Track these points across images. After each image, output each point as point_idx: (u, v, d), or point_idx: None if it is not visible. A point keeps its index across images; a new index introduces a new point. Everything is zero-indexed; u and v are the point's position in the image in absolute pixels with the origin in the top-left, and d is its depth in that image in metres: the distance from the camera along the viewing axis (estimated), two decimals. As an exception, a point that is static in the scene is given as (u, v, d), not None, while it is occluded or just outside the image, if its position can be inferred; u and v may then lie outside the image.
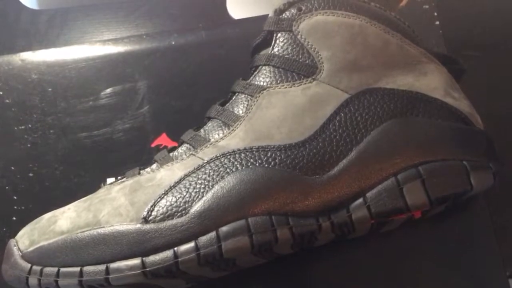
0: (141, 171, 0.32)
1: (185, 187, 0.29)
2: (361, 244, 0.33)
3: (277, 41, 0.32)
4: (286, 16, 0.32)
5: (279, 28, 0.32)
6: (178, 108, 0.40)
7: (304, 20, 0.32)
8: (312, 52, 0.31)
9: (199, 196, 0.29)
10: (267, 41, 0.33)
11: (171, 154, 0.32)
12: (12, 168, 0.39)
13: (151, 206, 0.29)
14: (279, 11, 0.33)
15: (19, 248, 0.30)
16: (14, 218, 0.37)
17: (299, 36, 0.32)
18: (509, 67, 0.40)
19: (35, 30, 0.46)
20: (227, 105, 0.32)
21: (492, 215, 0.34)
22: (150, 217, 0.28)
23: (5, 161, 0.39)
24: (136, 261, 0.27)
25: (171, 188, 0.29)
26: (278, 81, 0.31)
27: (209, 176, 0.29)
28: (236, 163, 0.29)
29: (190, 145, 0.31)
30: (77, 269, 0.28)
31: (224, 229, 0.28)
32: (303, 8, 0.32)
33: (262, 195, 0.28)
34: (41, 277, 0.28)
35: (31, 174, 0.38)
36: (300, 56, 0.31)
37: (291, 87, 0.31)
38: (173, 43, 0.42)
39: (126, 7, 0.47)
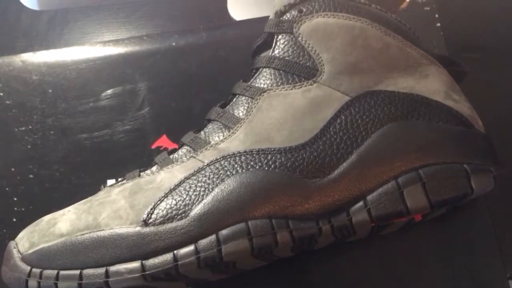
0: (141, 173, 0.31)
1: (185, 189, 0.29)
2: (361, 246, 0.33)
3: (278, 43, 0.32)
4: (286, 18, 0.32)
5: (280, 30, 0.32)
6: (179, 110, 0.40)
7: (304, 22, 0.32)
8: (313, 55, 0.31)
9: (199, 199, 0.28)
10: (267, 43, 0.33)
11: (171, 156, 0.32)
12: (12, 169, 0.39)
13: (151, 209, 0.29)
14: (279, 13, 0.32)
15: (18, 250, 0.30)
16: (14, 220, 0.37)
17: (299, 38, 0.31)
18: (510, 69, 0.40)
19: (36, 31, 0.46)
20: (227, 107, 0.32)
21: (492, 218, 0.34)
22: (150, 220, 0.28)
23: (5, 162, 0.39)
24: (135, 264, 0.27)
25: (171, 190, 0.29)
26: (279, 84, 0.31)
27: (209, 179, 0.29)
28: (236, 165, 0.29)
29: (190, 147, 0.31)
30: (77, 272, 0.28)
31: (224, 232, 0.28)
32: (304, 10, 0.32)
33: (262, 198, 0.28)
34: (41, 279, 0.28)
35: (31, 176, 0.38)
36: (301, 58, 0.31)
37: (291, 89, 0.31)
38: (173, 44, 0.42)
39: (126, 8, 0.47)
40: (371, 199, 0.29)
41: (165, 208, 0.29)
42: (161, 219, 0.28)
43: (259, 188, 0.28)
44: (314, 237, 0.29)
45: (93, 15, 0.47)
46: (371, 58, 0.31)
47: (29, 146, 0.39)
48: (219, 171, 0.29)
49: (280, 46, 0.32)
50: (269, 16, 0.34)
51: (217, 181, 0.29)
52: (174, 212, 0.28)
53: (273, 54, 0.32)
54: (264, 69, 0.32)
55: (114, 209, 0.29)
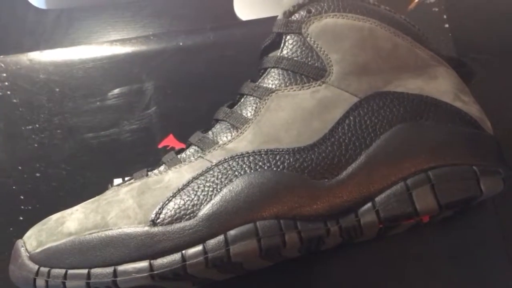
0: (148, 173, 0.31)
1: (193, 189, 0.29)
2: (368, 247, 0.33)
3: (286, 43, 0.32)
4: (295, 18, 0.32)
5: (288, 30, 0.32)
6: (185, 109, 0.40)
7: (313, 23, 0.31)
8: (322, 55, 0.31)
9: (208, 199, 0.28)
10: (276, 43, 0.33)
11: (179, 156, 0.32)
12: (19, 168, 0.39)
13: (159, 209, 0.29)
14: (288, 13, 0.32)
15: (26, 249, 0.30)
16: (21, 218, 0.37)
17: (308, 39, 0.31)
18: (519, 70, 0.40)
19: (43, 30, 0.46)
20: (235, 107, 0.32)
21: (501, 220, 0.34)
22: (158, 220, 0.28)
23: (12, 160, 0.39)
24: (144, 263, 0.27)
25: (179, 190, 0.29)
26: (287, 84, 0.31)
27: (217, 179, 0.29)
28: (244, 166, 0.29)
29: (198, 147, 0.31)
30: (85, 271, 0.28)
31: (232, 232, 0.27)
32: (313, 11, 0.32)
33: (270, 199, 0.28)
34: (49, 278, 0.28)
35: (38, 174, 0.38)
36: (309, 59, 0.31)
37: (300, 90, 0.31)
38: (180, 44, 0.42)
39: (133, 7, 0.47)
40: (380, 200, 0.28)
41: (173, 208, 0.29)
42: (170, 219, 0.28)
43: (268, 189, 0.28)
44: (322, 238, 0.29)
45: (99, 14, 0.47)
46: (380, 59, 0.31)
47: (36, 145, 0.39)
48: (227, 171, 0.29)
49: (289, 47, 0.32)
50: (276, 16, 0.33)
51: (226, 181, 0.29)
52: (182, 212, 0.28)
53: (281, 54, 0.32)
54: (273, 70, 0.32)
55: (122, 209, 0.29)
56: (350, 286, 0.34)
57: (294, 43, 0.32)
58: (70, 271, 0.28)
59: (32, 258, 0.29)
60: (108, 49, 0.42)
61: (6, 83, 0.41)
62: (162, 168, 0.31)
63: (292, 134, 0.30)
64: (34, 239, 0.30)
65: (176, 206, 0.29)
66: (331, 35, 0.31)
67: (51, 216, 0.31)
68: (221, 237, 0.27)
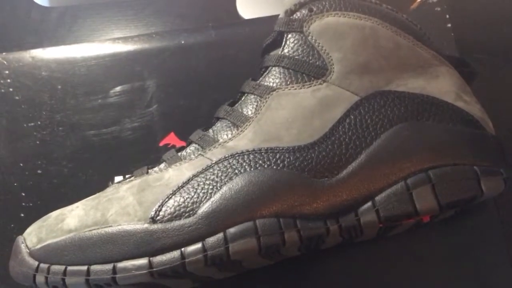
0: (149, 171, 0.31)
1: (193, 187, 0.29)
2: (368, 247, 0.33)
3: (288, 42, 0.32)
4: (297, 17, 0.32)
5: (290, 28, 0.32)
6: (187, 107, 0.40)
7: (315, 21, 0.31)
8: (323, 54, 0.31)
9: (207, 197, 0.28)
10: (277, 42, 0.33)
11: (179, 154, 0.32)
12: (21, 164, 0.39)
13: (159, 206, 0.29)
14: (290, 12, 0.32)
15: (26, 246, 0.30)
16: (22, 215, 0.37)
17: (309, 37, 0.31)
18: (521, 70, 0.40)
19: (45, 27, 0.46)
20: (236, 105, 0.32)
21: (503, 220, 0.34)
22: (158, 217, 0.28)
23: (14, 157, 0.39)
24: (143, 261, 0.27)
25: (179, 188, 0.29)
26: (288, 82, 0.31)
27: (217, 177, 0.29)
28: (244, 164, 0.29)
29: (198, 145, 0.31)
30: (84, 267, 0.28)
31: (231, 230, 0.27)
32: (314, 9, 0.32)
33: (270, 197, 0.28)
34: (48, 275, 0.28)
35: (39, 171, 0.39)
36: (311, 58, 0.31)
37: (300, 88, 0.31)
38: (182, 42, 0.42)
39: (135, 6, 0.47)
40: (380, 199, 0.28)
41: (173, 205, 0.29)
42: (169, 216, 0.28)
43: (267, 187, 0.28)
44: (321, 237, 0.29)
45: (103, 12, 0.47)
46: (382, 58, 0.31)
47: (37, 142, 0.39)
48: (227, 169, 0.29)
49: (290, 45, 0.32)
50: (278, 15, 0.33)
51: (225, 179, 0.29)
52: (182, 210, 0.28)
53: (282, 53, 0.32)
54: (274, 68, 0.32)
55: (122, 206, 0.29)
56: (351, 285, 0.34)
57: (295, 42, 0.32)
58: (69, 268, 0.28)
59: (32, 254, 0.29)
60: (110, 47, 0.42)
61: (9, 80, 0.41)
62: (162, 165, 0.31)
63: (293, 132, 0.30)
64: (34, 236, 0.30)
65: (176, 204, 0.29)
66: (332, 33, 0.31)
67: (51, 213, 0.31)
68: (220, 235, 0.27)
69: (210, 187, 0.29)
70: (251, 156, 0.29)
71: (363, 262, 0.34)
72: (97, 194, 0.32)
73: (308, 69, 0.31)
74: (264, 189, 0.28)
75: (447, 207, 0.28)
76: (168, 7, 0.47)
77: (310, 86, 0.31)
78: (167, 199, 0.29)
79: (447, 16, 0.39)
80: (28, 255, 0.29)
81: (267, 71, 0.32)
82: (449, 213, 0.32)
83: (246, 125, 0.31)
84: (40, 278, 0.29)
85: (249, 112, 0.31)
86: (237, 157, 0.30)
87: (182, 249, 0.27)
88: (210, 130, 0.32)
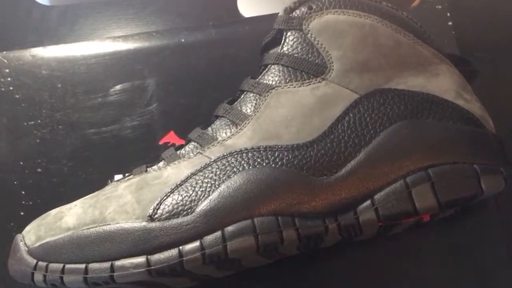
0: (148, 169, 0.31)
1: (191, 185, 0.29)
2: (368, 246, 0.33)
3: (287, 40, 0.32)
4: (296, 15, 0.32)
5: (289, 26, 0.32)
6: (187, 106, 0.40)
7: (314, 19, 0.31)
8: (322, 52, 0.31)
9: (205, 195, 0.28)
10: (277, 40, 0.33)
11: (178, 152, 0.32)
12: (21, 163, 0.39)
13: (157, 204, 0.29)
14: (289, 10, 0.32)
15: (25, 244, 0.30)
16: (22, 213, 0.37)
17: (309, 35, 0.31)
18: (522, 69, 0.40)
19: (46, 26, 0.46)
20: (235, 103, 0.32)
21: (503, 219, 0.34)
22: (156, 215, 0.28)
23: (14, 156, 0.39)
24: (141, 259, 0.27)
25: (177, 186, 0.29)
26: (287, 80, 0.31)
27: (215, 175, 0.29)
28: (243, 162, 0.29)
29: (197, 143, 0.31)
30: (82, 266, 0.28)
31: (229, 229, 0.27)
32: (314, 7, 0.32)
33: (269, 195, 0.28)
34: (47, 273, 0.28)
35: (39, 170, 0.39)
36: (310, 55, 0.31)
37: (300, 86, 0.31)
38: (182, 40, 0.42)
39: (136, 4, 0.47)
40: (379, 198, 0.28)
41: (171, 203, 0.29)
42: (167, 214, 0.28)
43: (266, 185, 0.28)
44: (320, 235, 0.28)
45: (103, 11, 0.47)
46: (382, 56, 0.31)
47: (37, 141, 0.39)
48: (225, 167, 0.29)
49: (289, 43, 0.32)
50: (278, 13, 0.33)
51: (224, 178, 0.29)
52: (180, 208, 0.28)
53: (282, 50, 0.32)
54: (273, 66, 0.32)
55: (120, 204, 0.29)
56: (349, 285, 0.34)
57: (294, 40, 0.32)
58: (67, 266, 0.28)
59: (30, 252, 0.29)
60: (110, 45, 0.42)
61: (9, 79, 0.41)
62: (161, 164, 0.31)
63: (292, 130, 0.30)
64: (33, 234, 0.30)
65: (174, 202, 0.29)
66: (332, 31, 0.31)
67: (50, 211, 0.31)
68: (218, 233, 0.27)
69: (209, 185, 0.29)
70: (250, 154, 0.29)
71: (362, 261, 0.34)
72: (96, 193, 0.31)
73: (308, 67, 0.31)
74: (263, 187, 0.28)
75: (447, 205, 0.28)
76: (169, 6, 0.47)
77: (310, 84, 0.31)
78: (165, 197, 0.29)
79: (448, 14, 0.39)
80: (26, 253, 0.29)
81: (266, 69, 0.32)
82: (449, 212, 0.32)
83: (245, 123, 0.31)
84: (38, 276, 0.29)
85: (248, 110, 0.31)
86: (235, 155, 0.29)
87: (180, 247, 0.27)
88: (209, 128, 0.32)
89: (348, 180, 0.28)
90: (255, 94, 0.31)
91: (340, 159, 0.29)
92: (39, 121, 0.40)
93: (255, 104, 0.31)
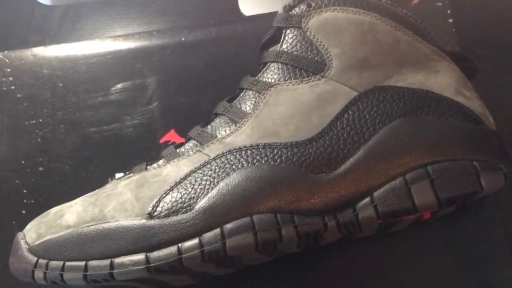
0: (148, 167, 0.32)
1: (190, 183, 0.29)
2: (368, 243, 0.33)
3: (286, 38, 0.32)
4: (295, 13, 0.32)
5: (288, 24, 0.32)
6: (187, 104, 0.40)
7: (313, 17, 0.31)
8: (321, 49, 0.31)
9: (204, 193, 0.28)
10: (276, 38, 0.32)
11: (177, 150, 0.32)
12: (22, 162, 0.39)
13: (156, 202, 0.29)
14: (288, 7, 0.32)
15: (26, 241, 0.30)
16: (24, 212, 0.38)
17: (308, 33, 0.31)
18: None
19: (48, 26, 0.46)
20: (234, 101, 0.32)
21: (502, 216, 0.34)
22: (155, 213, 0.28)
23: (15, 155, 0.39)
24: (140, 256, 0.27)
25: (176, 184, 0.29)
26: (286, 78, 0.31)
27: (214, 172, 0.29)
28: (242, 160, 0.29)
29: (197, 141, 0.31)
30: (82, 263, 0.28)
31: (228, 226, 0.27)
32: (313, 5, 0.31)
33: (267, 193, 0.28)
34: (47, 270, 0.28)
35: (41, 168, 0.39)
36: (309, 53, 0.31)
37: (299, 84, 0.31)
38: (183, 39, 0.42)
39: (138, 4, 0.47)
40: (378, 195, 0.28)
41: (170, 201, 0.29)
42: (166, 212, 0.28)
43: (265, 183, 0.28)
44: (319, 233, 0.28)
45: (105, 11, 0.47)
46: (381, 53, 0.31)
47: (39, 139, 0.40)
48: (224, 165, 0.29)
49: (288, 41, 0.32)
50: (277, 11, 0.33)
51: (223, 175, 0.29)
52: (179, 205, 0.28)
53: (281, 48, 0.32)
54: (272, 64, 0.32)
55: (120, 202, 0.29)
56: (349, 282, 0.33)
57: (294, 37, 0.32)
58: (67, 263, 0.28)
59: (31, 250, 0.29)
60: (111, 44, 0.42)
61: (10, 78, 0.41)
62: (161, 162, 0.31)
63: (291, 128, 0.30)
64: (34, 232, 0.30)
65: (173, 199, 0.29)
66: (331, 29, 0.31)
67: (51, 209, 0.32)
68: (217, 231, 0.27)
69: (208, 182, 0.29)
70: (249, 151, 0.29)
71: (363, 260, 0.34)
72: (96, 191, 0.32)
73: (307, 65, 0.31)
74: (261, 184, 0.28)
75: (446, 202, 0.28)
76: (171, 6, 0.47)
77: (309, 82, 0.31)
78: (164, 194, 0.29)
79: (449, 12, 0.39)
80: (27, 250, 0.29)
81: (265, 67, 0.32)
82: (450, 210, 0.32)
83: (244, 121, 0.31)
84: (38, 274, 0.29)
85: (247, 108, 0.31)
86: (234, 153, 0.29)
87: (179, 244, 0.27)
88: (209, 126, 0.32)
89: (347, 177, 0.28)
90: (254, 92, 0.31)
91: (339, 156, 0.29)
92: (40, 120, 0.40)
93: (254, 102, 0.31)
